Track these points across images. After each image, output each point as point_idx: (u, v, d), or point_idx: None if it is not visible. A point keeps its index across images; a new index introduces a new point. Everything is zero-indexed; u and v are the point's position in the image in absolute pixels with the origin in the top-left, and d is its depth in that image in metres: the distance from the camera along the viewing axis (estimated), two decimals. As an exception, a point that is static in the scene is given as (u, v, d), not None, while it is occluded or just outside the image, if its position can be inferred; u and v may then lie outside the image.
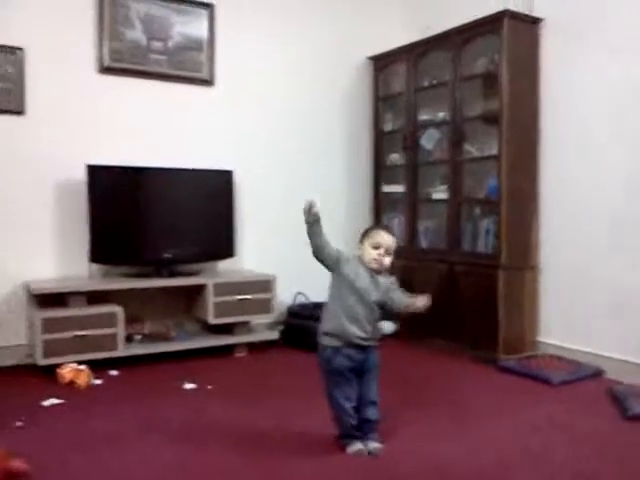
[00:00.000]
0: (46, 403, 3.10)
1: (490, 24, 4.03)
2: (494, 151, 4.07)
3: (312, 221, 2.57)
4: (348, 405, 2.55)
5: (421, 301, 2.58)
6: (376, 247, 2.58)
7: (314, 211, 2.55)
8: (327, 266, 2.62)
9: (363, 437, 2.57)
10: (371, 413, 2.59)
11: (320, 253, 2.60)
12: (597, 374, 3.65)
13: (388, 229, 2.74)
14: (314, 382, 2.68)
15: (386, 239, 2.60)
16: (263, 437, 2.72)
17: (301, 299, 4.62)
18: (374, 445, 2.56)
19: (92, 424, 2.84)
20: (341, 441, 2.59)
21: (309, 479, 2.33)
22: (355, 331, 2.54)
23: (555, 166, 4.03)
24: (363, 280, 2.57)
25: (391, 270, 2.67)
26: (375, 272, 2.59)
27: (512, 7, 3.99)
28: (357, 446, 2.54)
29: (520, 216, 4.05)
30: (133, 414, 2.98)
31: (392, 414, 2.83)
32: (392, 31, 5.01)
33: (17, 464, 2.25)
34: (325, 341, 2.59)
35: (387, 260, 2.60)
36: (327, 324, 2.61)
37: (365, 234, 2.66)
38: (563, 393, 3.37)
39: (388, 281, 2.64)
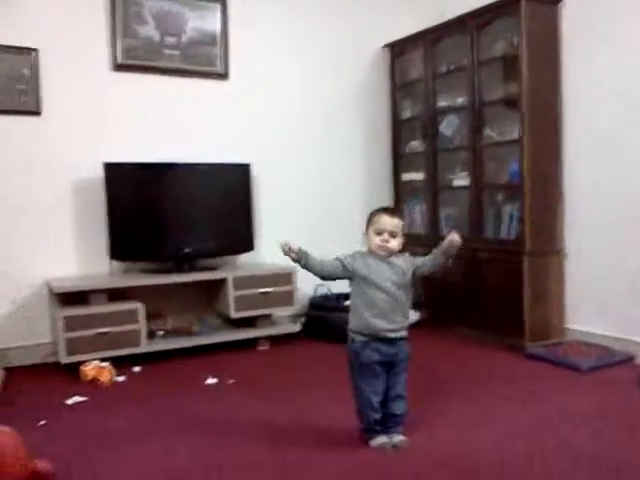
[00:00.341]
0: (69, 401, 3.10)
1: (508, 6, 3.92)
2: (515, 135, 3.98)
3: (299, 259, 2.52)
4: (375, 399, 2.49)
5: (453, 236, 2.45)
6: (379, 233, 2.49)
7: (294, 250, 2.51)
8: (342, 279, 2.57)
9: (387, 431, 2.52)
10: (397, 407, 2.53)
11: (327, 277, 2.58)
12: (627, 359, 3.57)
13: (391, 210, 2.60)
14: (337, 374, 2.65)
15: (389, 222, 2.49)
16: (285, 431, 2.69)
17: (323, 290, 4.58)
18: (399, 438, 2.50)
19: (115, 421, 2.83)
20: (365, 435, 2.54)
21: (332, 473, 2.29)
22: (382, 325, 2.47)
23: (579, 149, 3.93)
24: (376, 270, 2.49)
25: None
26: (386, 257, 2.51)
27: (529, -13, 3.89)
28: (381, 439, 2.49)
29: (544, 200, 3.96)
30: (155, 411, 2.97)
31: (417, 404, 2.78)
32: (407, 18, 4.92)
33: (42, 464, 2.21)
34: (353, 334, 2.54)
35: (394, 243, 2.50)
36: (352, 322, 2.55)
37: (368, 221, 2.57)
38: (593, 380, 3.30)
39: (402, 258, 2.54)
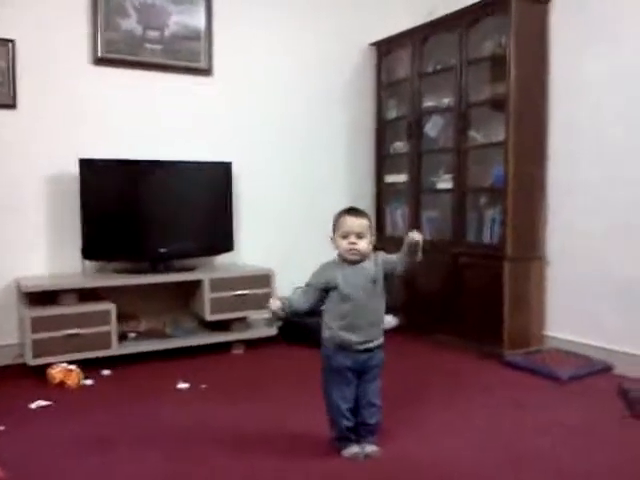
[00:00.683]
0: (33, 405, 3.00)
1: (497, 4, 3.85)
2: (501, 137, 3.91)
3: (283, 308, 2.45)
4: (344, 406, 2.42)
5: (412, 235, 2.36)
6: (346, 236, 2.40)
7: (281, 308, 2.44)
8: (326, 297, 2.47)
9: (360, 440, 2.45)
10: (370, 416, 2.45)
11: (315, 307, 2.48)
12: (607, 369, 3.51)
13: (355, 211, 2.47)
14: (313, 380, 2.56)
15: (355, 223, 2.40)
16: (255, 439, 2.61)
17: (302, 293, 4.49)
18: (371, 448, 2.44)
19: (78, 428, 2.74)
20: (336, 443, 2.47)
21: (296, 487, 2.22)
22: (351, 338, 2.39)
23: (565, 153, 3.86)
24: (345, 280, 2.40)
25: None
26: (357, 262, 2.42)
27: (519, -15, 3.82)
28: (353, 449, 2.42)
29: (527, 205, 3.89)
30: (122, 417, 2.88)
31: (392, 413, 2.70)
32: (395, 16, 4.81)
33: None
34: (325, 341, 2.47)
35: (363, 244, 2.40)
36: (323, 330, 2.48)
37: (334, 225, 2.48)
38: (572, 389, 3.24)
39: (373, 261, 2.44)
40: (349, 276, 2.40)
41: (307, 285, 2.47)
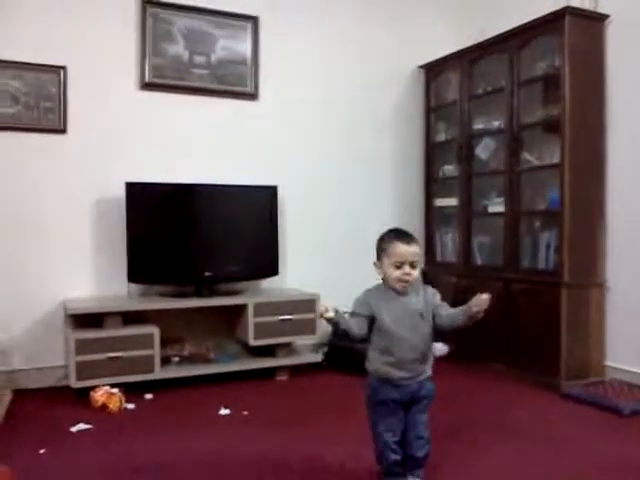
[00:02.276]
0: (74, 429, 2.97)
1: (550, 23, 3.74)
2: (555, 159, 3.76)
3: (337, 320, 2.23)
4: (391, 439, 2.27)
5: (482, 299, 2.18)
6: (399, 266, 2.23)
7: (335, 319, 2.22)
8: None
9: (407, 474, 2.31)
10: (418, 449, 2.30)
11: (365, 335, 2.29)
12: (674, 404, 3.27)
13: (406, 237, 2.28)
14: (359, 408, 2.43)
15: (409, 251, 2.24)
16: (294, 470, 2.50)
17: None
18: None
19: (115, 454, 2.68)
20: (383, 478, 2.33)
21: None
22: (397, 374, 2.25)
23: (624, 175, 3.69)
24: (392, 315, 2.24)
25: (442, 290, 2.35)
26: (405, 294, 2.27)
27: (574, 3, 3.70)
28: None
29: (585, 229, 3.72)
30: (160, 444, 2.80)
31: (441, 447, 2.56)
32: (444, 38, 4.77)
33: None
34: (370, 371, 2.34)
35: (415, 274, 2.26)
36: (368, 362, 2.34)
37: (380, 249, 2.30)
38: (635, 424, 3.02)
39: (422, 294, 2.29)
40: (395, 310, 2.26)
41: (352, 314, 2.31)
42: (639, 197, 3.60)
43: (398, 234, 2.31)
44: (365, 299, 2.30)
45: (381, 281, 2.33)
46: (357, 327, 2.26)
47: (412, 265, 2.25)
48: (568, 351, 3.61)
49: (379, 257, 2.31)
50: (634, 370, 3.57)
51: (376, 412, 2.32)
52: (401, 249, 2.25)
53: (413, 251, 2.26)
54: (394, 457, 2.29)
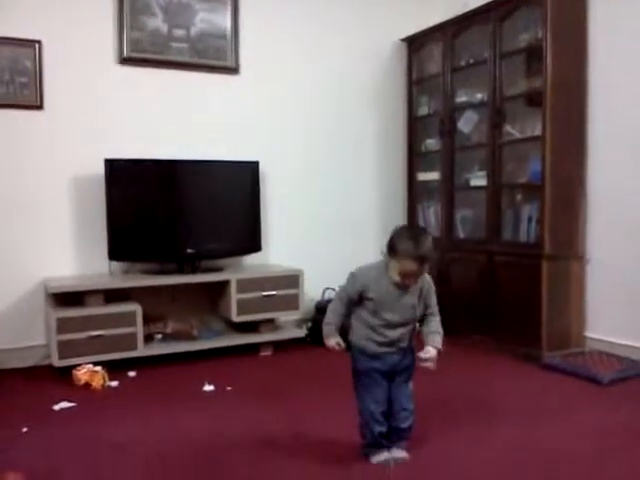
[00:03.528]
0: (57, 407, 2.96)
1: (533, -6, 3.71)
2: (537, 132, 3.75)
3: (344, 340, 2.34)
4: (376, 410, 2.30)
5: (431, 360, 2.28)
6: (404, 275, 2.21)
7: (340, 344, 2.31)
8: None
9: (391, 445, 2.33)
10: (402, 420, 2.33)
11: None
12: (652, 372, 3.33)
13: (422, 252, 2.17)
14: (342, 383, 2.45)
15: (419, 269, 2.19)
16: (278, 443, 2.51)
17: (331, 294, 4.39)
18: (400, 454, 2.32)
19: (98, 431, 2.68)
20: (365, 450, 2.35)
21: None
22: (381, 349, 2.29)
23: (605, 148, 3.70)
24: (387, 301, 2.25)
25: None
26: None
27: (556, -26, 3.67)
28: (382, 455, 2.30)
29: (566, 202, 3.73)
30: (142, 419, 2.81)
31: (424, 417, 2.57)
32: (426, 11, 4.70)
33: (12, 476, 2.11)
34: (353, 343, 2.36)
35: (416, 280, 2.27)
36: (352, 336, 2.36)
37: (393, 250, 2.22)
38: (613, 392, 3.08)
39: (419, 288, 2.29)
40: (389, 297, 2.26)
41: (341, 293, 2.33)
42: (619, 170, 3.61)
43: (415, 249, 2.17)
44: (361, 281, 2.28)
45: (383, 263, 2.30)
46: (343, 314, 2.32)
47: (416, 276, 2.23)
48: (549, 322, 3.65)
49: (389, 253, 2.25)
50: (613, 341, 3.62)
51: (361, 383, 2.34)
52: (411, 267, 2.19)
53: (423, 269, 2.23)
54: (379, 428, 2.31)
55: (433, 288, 2.37)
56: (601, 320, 3.72)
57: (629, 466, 2.26)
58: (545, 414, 2.81)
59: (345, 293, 2.33)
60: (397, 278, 2.22)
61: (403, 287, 2.25)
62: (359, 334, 2.32)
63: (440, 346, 2.32)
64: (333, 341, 2.30)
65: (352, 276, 2.33)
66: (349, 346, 2.35)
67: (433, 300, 2.37)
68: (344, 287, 2.35)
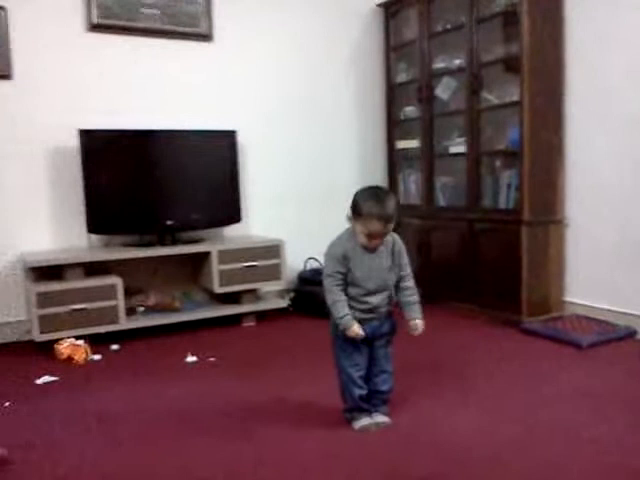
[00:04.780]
0: (39, 381, 2.95)
1: (509, -43, 3.67)
2: (515, 98, 3.75)
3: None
4: (356, 374, 2.32)
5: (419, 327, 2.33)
6: (369, 236, 2.21)
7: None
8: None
9: (372, 410, 2.37)
10: (382, 383, 2.37)
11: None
12: (630, 334, 3.39)
13: (384, 212, 2.17)
14: (324, 351, 2.47)
15: (383, 229, 2.20)
16: (261, 412, 2.52)
17: (314, 264, 4.40)
18: (382, 419, 2.36)
19: (83, 403, 2.68)
20: (347, 415, 2.38)
21: (309, 456, 2.13)
22: (362, 315, 2.29)
23: (582, 112, 3.70)
24: (359, 267, 2.26)
25: (406, 232, 2.35)
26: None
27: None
28: (364, 421, 2.33)
29: (544, 168, 3.74)
30: (126, 391, 2.81)
31: (405, 382, 2.64)
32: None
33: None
34: None
35: (383, 240, 2.28)
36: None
37: (355, 211, 2.22)
38: (593, 356, 3.12)
39: (390, 249, 2.31)
40: (363, 265, 2.27)
41: (330, 274, 2.27)
42: (597, 134, 3.62)
43: (379, 209, 2.17)
44: (342, 253, 2.27)
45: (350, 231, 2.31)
46: (340, 288, 2.28)
47: (382, 236, 2.24)
48: (529, 288, 3.68)
49: (353, 215, 2.25)
50: (593, 305, 3.67)
51: (341, 349, 2.35)
52: (376, 227, 2.19)
53: (388, 228, 2.23)
54: (359, 392, 2.33)
55: (404, 247, 2.37)
56: (580, 284, 3.77)
57: (607, 427, 2.31)
58: (525, 378, 2.85)
59: (334, 271, 2.28)
60: (364, 240, 2.23)
61: (371, 249, 2.26)
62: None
63: (420, 315, 2.35)
64: (357, 328, 2.25)
65: (330, 253, 2.31)
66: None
67: (405, 259, 2.37)
68: (329, 267, 2.29)
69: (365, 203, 2.20)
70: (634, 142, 3.41)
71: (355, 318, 2.28)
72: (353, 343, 2.32)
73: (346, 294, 2.29)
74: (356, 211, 2.23)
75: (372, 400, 2.38)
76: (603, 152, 3.59)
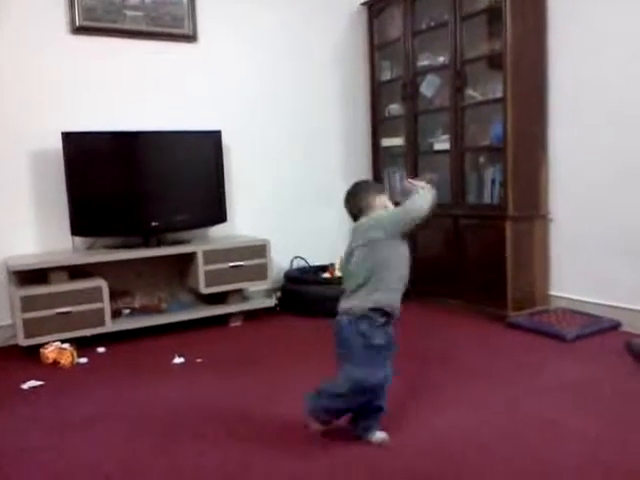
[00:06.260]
0: (25, 386, 2.93)
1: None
2: (499, 94, 3.76)
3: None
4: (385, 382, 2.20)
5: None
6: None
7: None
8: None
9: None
10: (383, 396, 2.22)
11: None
12: (614, 327, 3.41)
13: (347, 204, 2.31)
14: (311, 351, 2.47)
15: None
16: (249, 413, 2.51)
17: (300, 263, 4.40)
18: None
19: (69, 407, 2.66)
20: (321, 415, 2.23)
21: (296, 457, 2.13)
22: (382, 320, 2.14)
23: (565, 110, 3.72)
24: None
25: None
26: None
27: None
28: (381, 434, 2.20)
29: (528, 163, 3.76)
30: (114, 394, 2.80)
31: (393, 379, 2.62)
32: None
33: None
34: (371, 313, 2.15)
35: None
36: (379, 297, 2.17)
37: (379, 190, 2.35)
38: (578, 349, 3.15)
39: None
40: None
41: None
42: (580, 130, 3.64)
43: (346, 204, 2.31)
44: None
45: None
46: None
47: None
48: (514, 282, 3.70)
49: (379, 194, 2.33)
50: (577, 298, 3.69)
51: (370, 357, 2.14)
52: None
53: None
54: (377, 402, 2.20)
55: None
56: (565, 278, 3.79)
57: (593, 418, 2.32)
58: (511, 371, 2.87)
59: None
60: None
61: None
62: (392, 290, 2.16)
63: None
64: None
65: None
66: None
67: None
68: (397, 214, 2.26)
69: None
70: (617, 137, 3.44)
71: (379, 323, 2.13)
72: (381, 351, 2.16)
73: (379, 284, 2.14)
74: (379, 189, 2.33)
75: (368, 419, 2.21)
76: (586, 147, 3.61)
